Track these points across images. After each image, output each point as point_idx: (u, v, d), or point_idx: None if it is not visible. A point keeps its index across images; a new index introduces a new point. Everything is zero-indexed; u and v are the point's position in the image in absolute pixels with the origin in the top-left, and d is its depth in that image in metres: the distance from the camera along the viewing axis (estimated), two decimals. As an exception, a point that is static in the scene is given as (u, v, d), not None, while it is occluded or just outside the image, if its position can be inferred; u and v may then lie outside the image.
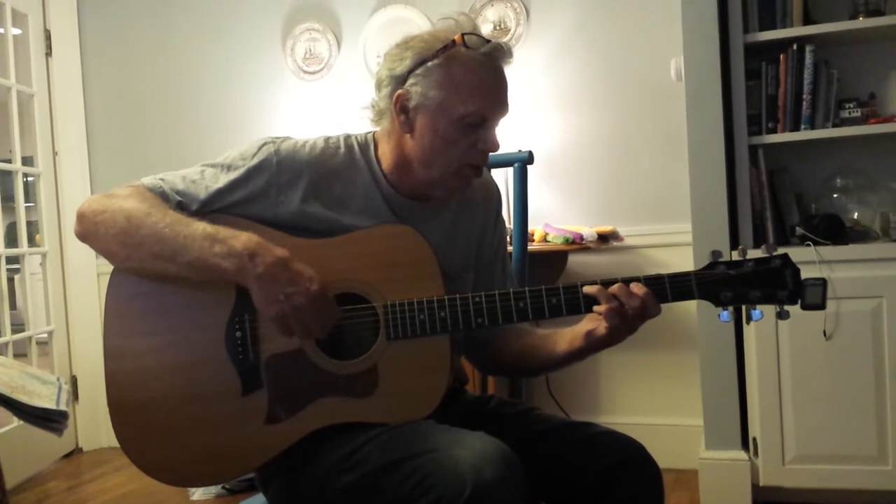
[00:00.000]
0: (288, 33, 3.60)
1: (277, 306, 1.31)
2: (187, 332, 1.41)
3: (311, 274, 1.33)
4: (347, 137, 1.52)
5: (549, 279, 2.89)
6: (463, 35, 1.40)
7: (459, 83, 1.39)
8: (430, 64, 1.39)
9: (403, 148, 1.45)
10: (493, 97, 1.42)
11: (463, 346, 1.59)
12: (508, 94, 1.45)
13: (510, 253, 1.79)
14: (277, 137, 1.48)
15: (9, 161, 3.57)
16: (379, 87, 1.46)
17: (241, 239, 1.32)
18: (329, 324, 1.36)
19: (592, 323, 1.42)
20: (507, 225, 1.80)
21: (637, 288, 1.35)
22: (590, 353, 1.45)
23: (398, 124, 1.43)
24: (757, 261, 1.37)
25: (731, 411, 2.67)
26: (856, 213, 2.76)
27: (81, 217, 1.41)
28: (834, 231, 2.59)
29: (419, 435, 1.30)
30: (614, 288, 1.36)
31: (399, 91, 1.41)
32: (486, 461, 1.20)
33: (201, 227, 1.34)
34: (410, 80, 1.40)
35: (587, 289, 1.36)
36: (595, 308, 1.37)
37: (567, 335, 1.47)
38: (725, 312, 1.39)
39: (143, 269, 1.40)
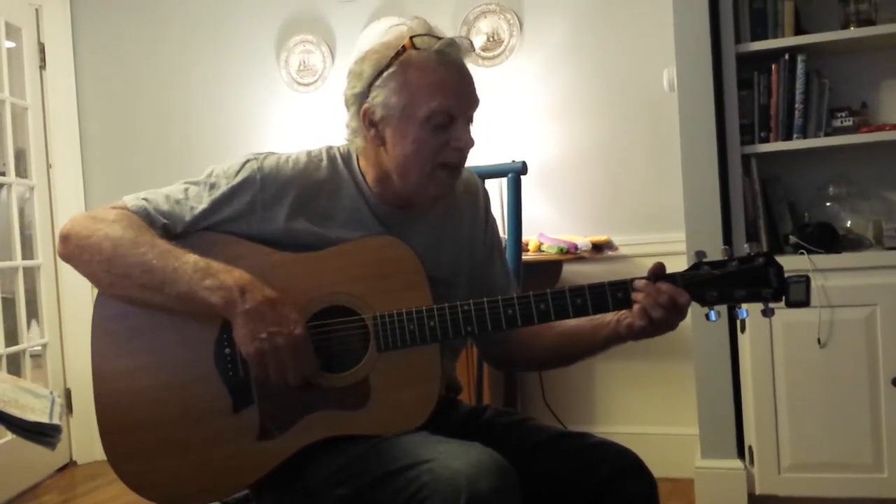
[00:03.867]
0: (282, 45, 3.61)
1: (258, 344, 1.31)
2: (176, 351, 1.41)
3: (297, 318, 1.33)
4: (330, 149, 1.52)
5: (543, 289, 2.89)
6: (411, 38, 1.39)
7: (417, 85, 1.38)
8: (385, 73, 1.39)
9: (381, 161, 1.45)
10: (454, 92, 1.40)
11: (457, 356, 1.59)
12: (473, 87, 1.43)
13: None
14: (260, 153, 1.48)
15: (2, 174, 3.57)
16: (347, 107, 1.46)
17: (234, 274, 1.33)
18: (305, 371, 1.35)
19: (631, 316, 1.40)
20: (501, 235, 1.79)
21: (661, 284, 1.35)
22: (630, 340, 1.43)
23: (370, 139, 1.43)
24: (740, 259, 1.38)
25: (727, 420, 2.67)
26: (849, 222, 2.77)
27: (66, 239, 1.41)
28: (827, 239, 2.59)
29: (413, 446, 1.30)
30: (641, 285, 1.36)
31: (364, 106, 1.41)
32: (481, 472, 1.19)
33: (193, 259, 1.34)
34: (372, 94, 1.40)
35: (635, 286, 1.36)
36: (635, 307, 1.37)
37: (610, 321, 1.44)
38: (713, 312, 1.39)
39: (127, 298, 1.40)
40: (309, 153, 1.50)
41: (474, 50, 1.44)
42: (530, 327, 1.50)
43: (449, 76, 1.40)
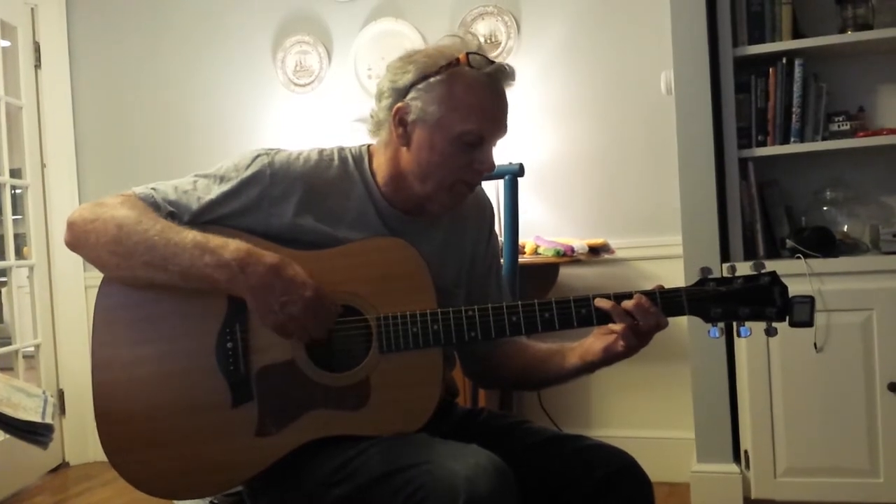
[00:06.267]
0: (279, 46, 3.60)
1: (273, 317, 1.31)
2: (177, 343, 1.40)
3: (304, 278, 1.32)
4: (342, 150, 1.51)
5: (540, 292, 2.88)
6: (468, 54, 1.40)
7: (460, 101, 1.39)
8: (432, 79, 1.40)
9: (399, 161, 1.45)
10: (492, 118, 1.43)
11: (454, 359, 1.59)
12: (508, 116, 1.46)
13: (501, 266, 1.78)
14: (271, 149, 1.48)
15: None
16: (379, 97, 1.46)
17: (231, 248, 1.31)
18: (327, 324, 1.35)
19: (604, 339, 1.43)
20: (498, 238, 1.79)
21: (648, 304, 1.36)
22: (601, 367, 1.46)
23: (396, 136, 1.43)
24: (746, 278, 1.38)
25: (723, 424, 2.67)
26: (846, 226, 2.77)
27: (72, 225, 1.40)
28: (824, 244, 2.59)
29: (411, 447, 1.29)
30: (629, 305, 1.36)
31: (399, 104, 1.41)
32: (479, 473, 1.19)
33: (191, 235, 1.33)
34: (411, 94, 1.41)
35: (599, 302, 1.37)
36: (611, 326, 1.39)
37: (577, 350, 1.48)
38: (715, 329, 1.40)
39: (134, 279, 1.39)
40: (321, 151, 1.50)
41: (514, 80, 1.45)
42: (510, 347, 1.56)
43: (493, 101, 1.43)
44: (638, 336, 1.38)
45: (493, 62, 1.42)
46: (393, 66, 1.45)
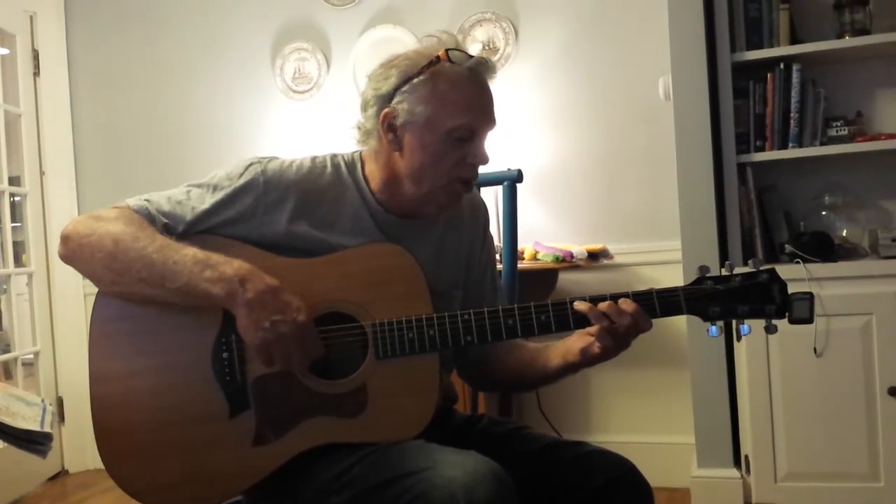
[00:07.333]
0: (277, 53, 3.61)
1: (262, 333, 1.30)
2: (174, 354, 1.40)
3: (300, 305, 1.32)
4: (334, 157, 1.52)
5: (539, 297, 2.86)
6: (447, 51, 1.40)
7: (445, 98, 1.39)
8: (415, 81, 1.40)
9: (393, 166, 1.45)
10: (480, 110, 1.43)
11: (452, 364, 1.59)
12: (494, 107, 1.46)
13: (500, 271, 1.78)
14: (264, 157, 1.48)
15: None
16: (365, 107, 1.46)
17: (234, 265, 1.32)
18: (311, 356, 1.35)
19: (584, 339, 1.43)
20: (496, 243, 1.80)
21: (626, 305, 1.35)
22: (584, 368, 1.46)
23: (386, 143, 1.43)
24: (744, 275, 1.37)
25: (723, 429, 2.67)
26: (844, 231, 2.78)
27: (66, 239, 1.40)
28: (823, 248, 2.59)
29: (410, 454, 1.29)
30: (604, 306, 1.35)
31: (386, 109, 1.42)
32: (478, 480, 1.19)
33: (192, 252, 1.34)
34: (396, 98, 1.41)
35: (577, 305, 1.36)
36: (587, 329, 1.39)
37: (560, 349, 1.48)
38: (714, 328, 1.39)
39: (128, 294, 1.39)
40: (313, 159, 1.50)
41: (496, 72, 1.46)
42: (503, 349, 1.56)
43: (478, 94, 1.43)
44: (615, 338, 1.37)
45: (472, 56, 1.42)
46: (374, 73, 1.45)
